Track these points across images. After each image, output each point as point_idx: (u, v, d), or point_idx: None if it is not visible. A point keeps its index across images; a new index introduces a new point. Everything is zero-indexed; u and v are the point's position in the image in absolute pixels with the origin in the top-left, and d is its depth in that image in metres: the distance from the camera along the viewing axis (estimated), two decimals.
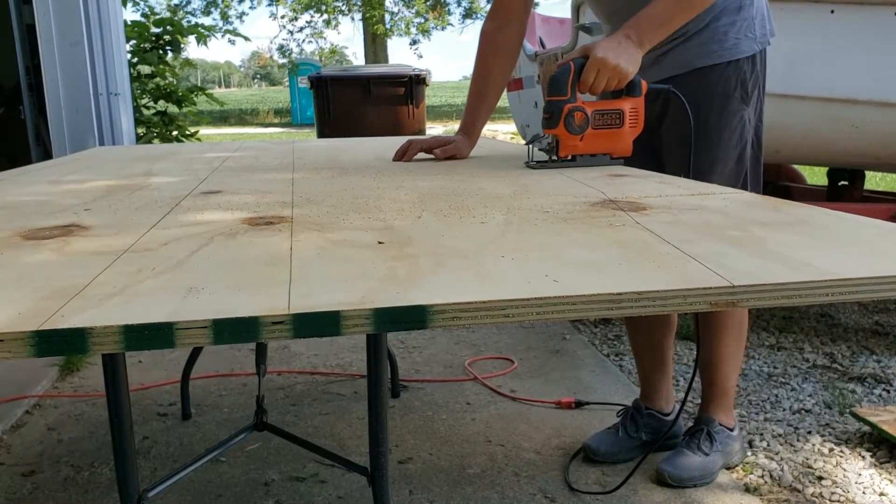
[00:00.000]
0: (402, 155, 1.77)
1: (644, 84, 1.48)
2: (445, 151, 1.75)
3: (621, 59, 1.43)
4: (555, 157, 1.50)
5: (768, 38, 1.69)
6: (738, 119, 1.64)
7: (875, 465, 1.86)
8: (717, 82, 1.62)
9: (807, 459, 1.89)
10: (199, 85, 6.23)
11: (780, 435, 2.02)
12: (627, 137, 1.48)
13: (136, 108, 5.13)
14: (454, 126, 16.44)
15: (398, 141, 2.57)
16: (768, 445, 1.97)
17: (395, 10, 22.05)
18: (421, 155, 1.76)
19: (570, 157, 1.49)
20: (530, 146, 1.56)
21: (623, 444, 1.88)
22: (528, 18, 1.84)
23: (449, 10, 22.69)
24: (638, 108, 1.48)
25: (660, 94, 1.60)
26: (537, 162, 1.53)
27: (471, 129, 1.81)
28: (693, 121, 1.53)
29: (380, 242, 0.84)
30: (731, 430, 1.83)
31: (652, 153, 1.70)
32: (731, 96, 1.63)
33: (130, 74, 4.80)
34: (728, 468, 1.82)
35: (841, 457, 1.90)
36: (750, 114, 1.67)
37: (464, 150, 1.78)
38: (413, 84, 6.53)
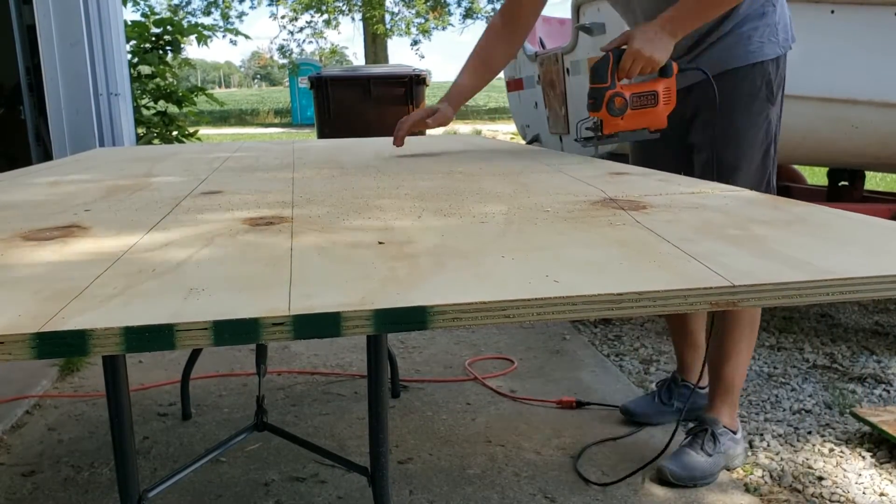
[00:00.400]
0: (398, 139, 1.97)
1: (675, 66, 1.65)
2: (436, 120, 1.94)
3: (655, 49, 1.59)
4: (600, 135, 1.68)
5: (790, 42, 1.79)
6: (763, 118, 1.74)
7: (875, 466, 1.86)
8: (744, 83, 1.72)
9: (807, 460, 1.89)
10: (199, 85, 6.23)
11: (780, 435, 2.02)
12: (662, 113, 1.67)
13: (137, 109, 5.12)
14: (455, 126, 16.42)
15: None
16: (768, 446, 1.97)
17: (396, 10, 22.06)
18: (422, 155, 1.78)
19: (614, 135, 1.67)
20: (578, 126, 1.77)
21: (657, 408, 2.04)
22: (535, 22, 2.00)
23: (449, 10, 22.69)
24: (671, 88, 1.66)
25: (691, 91, 1.75)
26: (585, 139, 1.72)
27: (455, 101, 1.97)
28: (721, 120, 1.69)
29: (380, 242, 0.84)
30: (735, 433, 1.85)
31: (684, 148, 1.82)
32: (756, 96, 1.73)
33: (130, 75, 4.80)
34: (728, 470, 1.82)
35: (841, 457, 1.90)
36: (775, 114, 1.76)
37: (448, 117, 1.96)
38: (413, 84, 6.53)
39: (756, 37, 1.73)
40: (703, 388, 1.99)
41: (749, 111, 1.73)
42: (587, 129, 1.71)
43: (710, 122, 1.72)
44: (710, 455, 1.78)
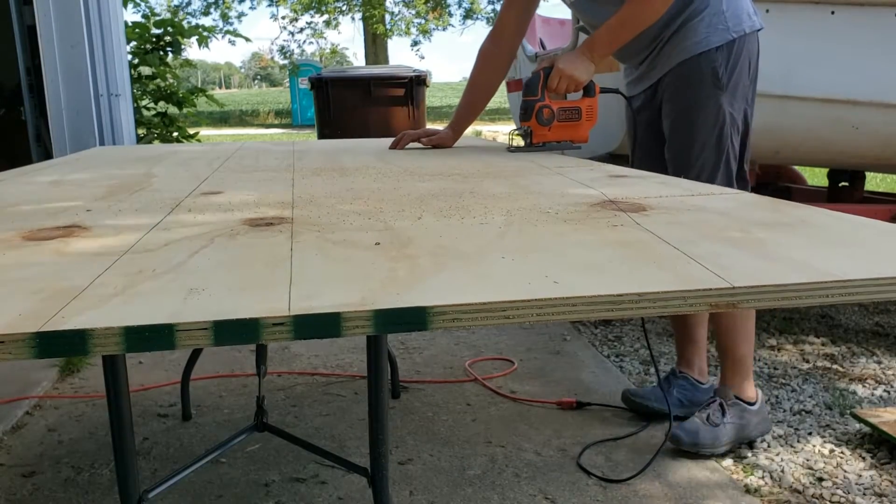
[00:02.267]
0: (396, 144, 2.14)
1: (597, 87, 1.89)
2: (431, 140, 2.14)
3: (577, 70, 1.83)
4: (529, 143, 1.90)
5: (745, 28, 1.88)
6: (713, 103, 1.87)
7: (875, 466, 1.85)
8: (692, 73, 1.87)
9: (807, 460, 1.89)
10: (199, 86, 6.22)
11: (780, 436, 2.02)
12: (585, 128, 1.90)
13: (137, 110, 5.12)
14: None
15: None
16: (769, 446, 1.96)
17: (396, 10, 22.06)
18: (421, 156, 1.79)
19: (541, 144, 1.90)
20: (510, 135, 1.99)
21: (656, 394, 2.07)
22: (520, 41, 2.20)
23: (449, 10, 22.69)
24: (593, 106, 1.90)
25: (658, 88, 1.96)
26: (516, 147, 1.94)
27: (458, 127, 2.16)
28: (675, 108, 1.91)
29: (376, 244, 0.84)
30: (752, 404, 1.91)
31: (661, 135, 2.00)
32: (703, 83, 1.87)
33: (131, 75, 4.80)
34: (749, 441, 1.92)
35: (841, 458, 1.90)
36: (727, 98, 1.87)
37: (448, 141, 2.14)
38: (413, 85, 6.53)
39: (702, 28, 1.87)
40: (702, 383, 2.10)
41: (697, 98, 1.87)
42: (518, 135, 1.94)
43: (668, 112, 1.93)
44: (716, 425, 1.86)
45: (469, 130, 2.55)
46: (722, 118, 1.87)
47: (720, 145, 1.87)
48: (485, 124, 16.84)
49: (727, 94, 1.87)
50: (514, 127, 2.03)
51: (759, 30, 1.90)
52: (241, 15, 24.32)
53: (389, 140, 2.33)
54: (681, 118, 1.90)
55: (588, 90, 1.88)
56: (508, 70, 2.20)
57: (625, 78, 2.11)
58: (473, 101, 2.16)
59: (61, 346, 0.56)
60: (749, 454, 1.92)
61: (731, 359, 1.92)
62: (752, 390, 1.94)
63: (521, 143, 1.92)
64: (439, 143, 2.13)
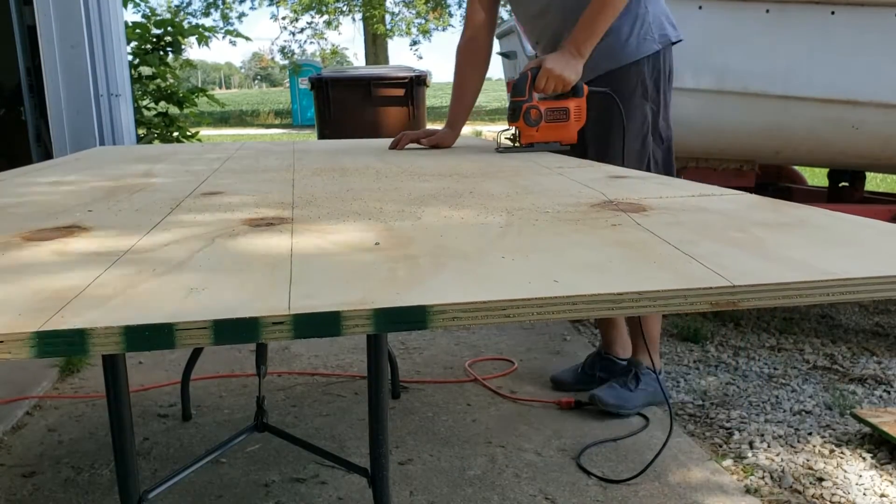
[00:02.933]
0: (396, 144, 2.18)
1: (585, 88, 1.88)
2: (430, 141, 2.18)
3: (565, 69, 1.84)
4: (518, 144, 1.92)
5: (670, 38, 2.01)
6: (640, 112, 1.98)
7: (876, 467, 1.85)
8: (622, 82, 1.96)
9: (807, 461, 1.89)
10: (199, 86, 6.23)
11: (780, 436, 2.02)
12: (573, 129, 1.89)
13: (137, 110, 5.12)
14: None
15: None
16: (769, 447, 1.96)
17: (396, 10, 22.06)
18: (421, 156, 1.80)
19: (529, 145, 1.90)
20: (497, 136, 1.99)
21: (581, 378, 2.31)
22: (494, 30, 2.23)
23: (449, 11, 22.68)
24: (581, 106, 1.89)
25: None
26: (504, 148, 1.95)
27: (454, 125, 2.22)
28: (603, 115, 1.96)
29: (376, 244, 0.84)
30: (658, 373, 2.14)
31: (581, 138, 2.06)
32: (634, 94, 1.97)
33: (131, 75, 4.80)
34: (654, 404, 2.15)
35: (841, 458, 1.90)
36: (650, 107, 2.00)
37: (448, 140, 2.19)
38: (413, 85, 6.53)
39: (632, 37, 1.96)
40: (622, 359, 2.30)
41: (627, 106, 1.93)
42: (506, 138, 1.95)
43: (596, 116, 1.96)
44: (631, 390, 2.12)
45: (469, 130, 2.57)
46: (647, 128, 1.99)
47: (643, 153, 2.00)
48: (485, 124, 16.84)
49: (651, 104, 1.99)
50: (504, 128, 2.04)
51: (678, 41, 2.02)
52: (241, 15, 24.32)
53: (389, 140, 2.35)
54: (606, 125, 1.97)
55: (576, 90, 1.87)
56: (489, 62, 2.25)
57: None
58: (462, 98, 2.24)
59: (61, 345, 0.56)
60: (749, 454, 1.92)
61: (648, 338, 2.09)
62: (659, 363, 2.19)
63: (509, 143, 1.96)
64: (439, 142, 2.17)
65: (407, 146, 2.18)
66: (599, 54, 1.92)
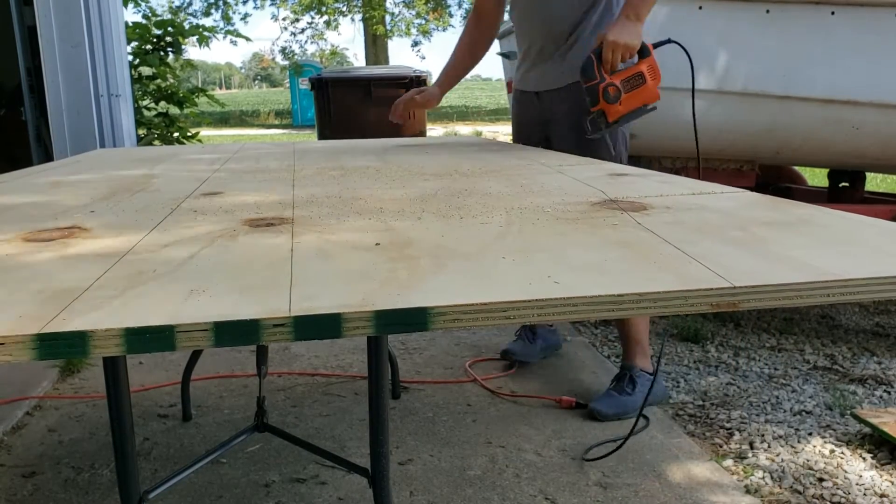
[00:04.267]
0: (397, 117, 2.38)
1: (649, 46, 1.89)
2: (423, 97, 2.36)
3: (628, 36, 1.86)
4: (606, 124, 1.91)
5: None
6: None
7: (876, 467, 1.85)
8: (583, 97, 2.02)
9: (808, 461, 1.88)
10: (200, 86, 6.22)
11: (780, 436, 2.02)
12: (653, 88, 1.89)
13: (137, 110, 5.12)
14: (455, 127, 16.43)
15: (399, 142, 2.58)
16: (769, 447, 1.96)
17: (396, 11, 22.05)
18: (421, 156, 1.79)
19: (617, 121, 1.89)
20: (586, 122, 1.96)
21: (530, 349, 2.50)
22: (501, 18, 2.40)
23: (450, 11, 22.67)
24: (653, 65, 1.90)
25: (543, 98, 2.21)
26: (593, 135, 1.95)
27: (444, 86, 2.38)
28: (566, 125, 2.12)
29: (377, 244, 0.84)
30: (651, 374, 2.19)
31: (546, 140, 2.24)
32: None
33: (131, 76, 4.80)
34: (654, 404, 2.16)
35: (842, 458, 1.90)
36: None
37: (435, 98, 2.37)
38: (414, 85, 6.52)
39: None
40: (551, 326, 2.49)
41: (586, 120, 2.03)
42: (593, 122, 1.93)
43: (565, 120, 2.12)
44: (630, 394, 2.14)
45: (469, 130, 2.60)
46: (605, 144, 2.10)
47: (616, 155, 2.12)
48: (485, 124, 16.85)
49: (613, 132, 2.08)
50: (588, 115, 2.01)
51: None
52: (245, 16, 24.33)
53: (390, 140, 2.39)
54: (570, 136, 2.10)
55: (642, 51, 1.89)
56: (491, 43, 2.41)
57: (516, 70, 2.35)
58: (461, 63, 2.38)
59: (62, 347, 0.56)
60: (749, 454, 1.92)
61: (633, 341, 2.20)
62: (650, 363, 2.23)
63: (599, 129, 1.94)
64: (428, 99, 2.36)
65: (407, 146, 2.25)
66: (569, 60, 2.09)
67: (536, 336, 2.56)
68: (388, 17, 21.51)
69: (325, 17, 21.98)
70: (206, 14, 21.48)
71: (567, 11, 2.09)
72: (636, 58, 1.89)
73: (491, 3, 2.32)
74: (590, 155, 1.94)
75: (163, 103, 5.52)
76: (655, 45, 1.91)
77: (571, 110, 2.09)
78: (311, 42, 23.03)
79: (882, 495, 1.72)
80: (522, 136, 2.35)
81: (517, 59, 2.35)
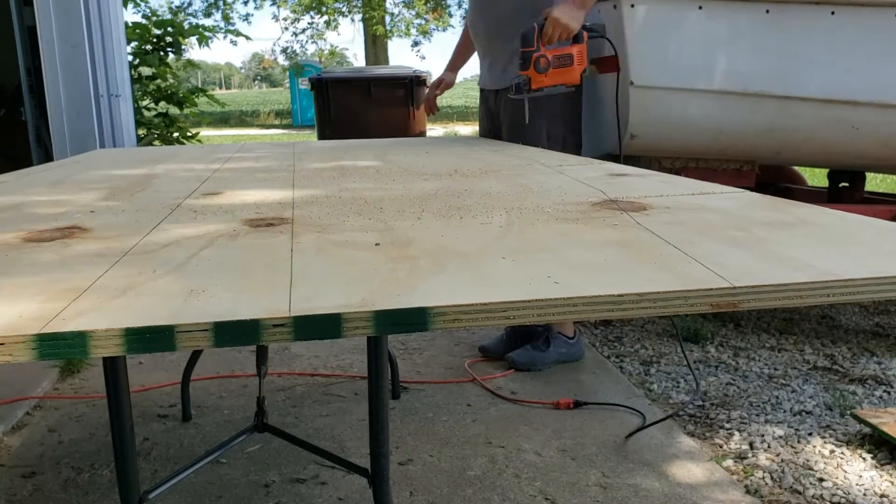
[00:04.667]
0: (430, 111, 2.85)
1: (585, 34, 2.16)
2: (443, 89, 2.77)
3: (571, 19, 2.11)
4: (529, 90, 2.16)
5: None
6: (563, 112, 2.37)
7: (876, 467, 1.85)
8: (551, 90, 2.26)
9: (808, 461, 1.88)
10: (200, 86, 6.22)
11: (780, 436, 2.02)
12: (576, 72, 2.17)
13: (137, 110, 5.12)
14: (455, 127, 16.43)
15: (399, 142, 2.58)
16: (769, 447, 1.96)
17: (396, 11, 22.03)
18: (421, 156, 1.81)
19: (539, 90, 2.15)
20: (512, 85, 2.21)
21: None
22: None
23: (449, 11, 22.65)
24: (582, 52, 2.17)
25: (499, 93, 2.46)
26: (515, 95, 2.20)
27: (454, 67, 2.76)
28: (512, 121, 2.36)
29: (376, 244, 0.84)
30: (570, 337, 2.51)
31: (496, 133, 2.56)
32: (560, 98, 2.30)
33: (131, 76, 4.80)
34: (566, 362, 2.49)
35: (842, 458, 1.90)
36: (575, 108, 2.41)
37: (452, 82, 2.77)
38: (414, 85, 6.52)
39: None
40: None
41: (538, 109, 2.29)
42: (516, 84, 2.19)
43: (511, 113, 2.36)
44: (543, 351, 2.48)
45: (469, 131, 2.66)
46: (576, 124, 2.42)
47: (565, 141, 2.38)
48: None
49: (578, 106, 2.41)
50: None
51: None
52: (247, 16, 24.34)
53: (390, 140, 2.44)
54: (515, 130, 2.36)
55: (578, 37, 2.14)
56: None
57: (480, 69, 2.65)
58: (464, 49, 2.72)
59: (62, 347, 0.56)
60: (749, 454, 1.92)
61: None
62: (571, 328, 2.52)
63: (521, 92, 2.19)
64: (447, 87, 2.74)
65: (406, 144, 2.45)
66: (514, 68, 2.28)
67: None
68: (387, 18, 21.50)
69: (325, 18, 21.98)
70: (207, 14, 21.48)
71: (514, 15, 2.33)
72: (570, 41, 2.15)
73: None
74: (523, 143, 2.28)
75: (163, 103, 5.52)
76: (590, 37, 2.17)
77: (517, 109, 2.33)
78: (311, 42, 23.03)
79: (882, 495, 1.72)
80: (482, 129, 2.71)
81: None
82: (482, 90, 2.65)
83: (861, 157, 2.79)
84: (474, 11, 2.52)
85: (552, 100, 2.28)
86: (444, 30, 22.87)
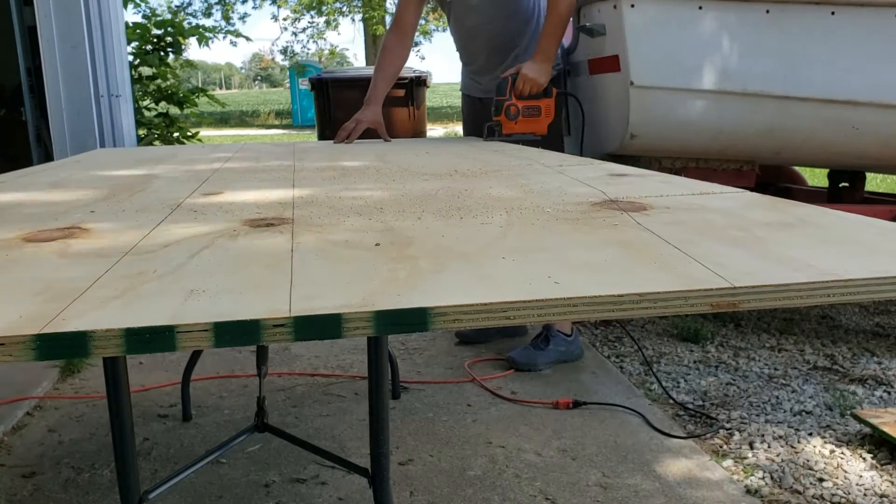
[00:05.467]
0: (342, 139, 2.54)
1: (554, 90, 2.39)
2: (371, 121, 2.57)
3: (539, 75, 2.33)
4: (499, 134, 2.37)
5: (561, 66, 2.61)
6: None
7: (876, 467, 1.85)
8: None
9: (808, 461, 1.88)
10: (200, 86, 6.22)
11: (781, 436, 2.02)
12: (544, 123, 2.37)
13: (138, 110, 5.11)
14: (455, 127, 16.42)
15: (399, 142, 2.58)
16: (769, 447, 1.96)
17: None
18: (421, 156, 1.80)
19: (509, 135, 2.35)
20: (485, 128, 2.43)
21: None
22: (416, 29, 2.79)
23: None
24: (550, 105, 2.37)
25: (483, 101, 2.60)
26: (488, 138, 2.42)
27: (378, 100, 2.64)
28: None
29: (376, 244, 0.84)
30: (568, 335, 2.54)
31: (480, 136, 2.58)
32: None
33: (132, 76, 4.80)
34: (566, 361, 2.51)
35: (842, 458, 1.90)
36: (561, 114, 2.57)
37: (379, 118, 2.60)
38: (413, 86, 6.51)
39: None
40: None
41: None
42: (490, 128, 2.40)
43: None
44: (542, 349, 2.50)
45: None
46: (555, 129, 2.49)
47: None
48: None
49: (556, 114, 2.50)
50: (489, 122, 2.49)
51: (561, 67, 2.59)
52: (244, 16, 24.38)
53: (390, 141, 2.39)
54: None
55: (547, 92, 2.35)
56: (409, 54, 2.76)
57: (462, 76, 2.77)
58: (385, 80, 2.68)
59: (62, 347, 0.56)
60: (749, 454, 1.92)
61: None
62: (568, 327, 2.54)
63: (492, 135, 2.40)
64: (377, 121, 2.58)
65: (406, 143, 2.47)
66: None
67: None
68: (388, 18, 21.50)
69: (325, 17, 21.99)
70: (206, 14, 21.48)
71: (509, 33, 2.52)
72: (541, 94, 2.35)
73: (412, 18, 2.68)
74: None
75: (163, 103, 5.52)
76: (558, 93, 2.42)
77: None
78: (311, 42, 23.03)
79: (882, 495, 1.72)
80: (467, 130, 2.86)
81: (462, 66, 2.77)
82: (468, 96, 2.78)
83: (861, 157, 2.79)
84: (468, 32, 2.61)
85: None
86: (444, 30, 22.86)
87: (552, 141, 2.51)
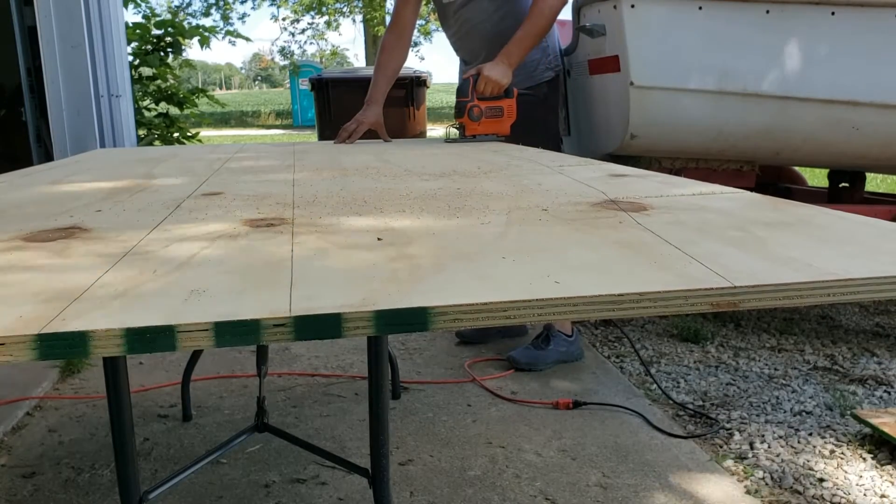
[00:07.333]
0: (342, 139, 2.51)
1: (515, 91, 2.36)
2: (372, 122, 2.55)
3: (500, 76, 2.31)
4: (463, 135, 2.36)
5: (559, 66, 2.63)
6: (542, 119, 2.56)
7: (876, 467, 1.85)
8: (528, 99, 2.47)
9: (808, 461, 1.88)
10: (200, 87, 6.22)
11: (780, 437, 2.02)
12: (507, 123, 2.36)
13: (138, 110, 5.12)
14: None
15: (399, 142, 2.58)
16: (769, 447, 1.96)
17: None
18: (421, 156, 1.80)
19: (472, 136, 2.33)
20: (447, 129, 2.60)
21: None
22: (414, 30, 2.79)
23: None
24: (512, 105, 2.35)
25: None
26: (451, 140, 2.43)
27: (378, 99, 2.62)
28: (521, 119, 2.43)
29: (378, 238, 0.84)
30: (569, 336, 2.55)
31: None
32: (537, 106, 2.53)
33: (132, 76, 4.80)
34: (567, 362, 2.53)
35: (842, 459, 1.90)
36: (551, 115, 2.61)
37: (380, 118, 2.58)
38: (414, 86, 6.52)
39: (541, 66, 2.55)
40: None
41: (534, 115, 2.48)
42: (454, 129, 2.40)
43: (519, 121, 2.42)
44: (542, 349, 2.52)
45: None
46: (552, 130, 2.59)
47: (556, 148, 2.51)
48: None
49: (552, 114, 2.59)
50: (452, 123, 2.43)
51: (559, 68, 2.62)
52: (243, 16, 24.41)
53: (391, 141, 2.39)
54: (520, 130, 2.39)
55: (508, 92, 2.34)
56: (408, 52, 2.77)
57: (460, 75, 2.64)
58: (385, 79, 2.66)
59: (62, 347, 0.56)
60: (749, 455, 1.92)
61: None
62: (569, 327, 2.56)
63: (456, 135, 2.39)
64: (378, 122, 2.56)
65: (407, 144, 2.43)
66: (516, 75, 2.39)
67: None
68: (388, 18, 21.50)
69: (326, 18, 22.00)
70: (206, 14, 21.48)
71: (506, 30, 2.48)
72: (503, 95, 2.33)
73: (410, 16, 2.68)
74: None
75: (163, 104, 5.52)
76: (519, 94, 2.38)
77: (521, 104, 2.43)
78: (311, 42, 23.04)
79: (882, 496, 1.72)
80: None
81: (461, 65, 2.76)
82: None
83: (861, 157, 2.79)
84: (462, 33, 2.62)
85: (524, 108, 2.41)
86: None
87: (550, 141, 2.53)
